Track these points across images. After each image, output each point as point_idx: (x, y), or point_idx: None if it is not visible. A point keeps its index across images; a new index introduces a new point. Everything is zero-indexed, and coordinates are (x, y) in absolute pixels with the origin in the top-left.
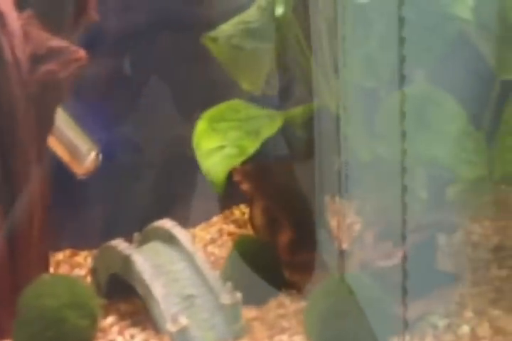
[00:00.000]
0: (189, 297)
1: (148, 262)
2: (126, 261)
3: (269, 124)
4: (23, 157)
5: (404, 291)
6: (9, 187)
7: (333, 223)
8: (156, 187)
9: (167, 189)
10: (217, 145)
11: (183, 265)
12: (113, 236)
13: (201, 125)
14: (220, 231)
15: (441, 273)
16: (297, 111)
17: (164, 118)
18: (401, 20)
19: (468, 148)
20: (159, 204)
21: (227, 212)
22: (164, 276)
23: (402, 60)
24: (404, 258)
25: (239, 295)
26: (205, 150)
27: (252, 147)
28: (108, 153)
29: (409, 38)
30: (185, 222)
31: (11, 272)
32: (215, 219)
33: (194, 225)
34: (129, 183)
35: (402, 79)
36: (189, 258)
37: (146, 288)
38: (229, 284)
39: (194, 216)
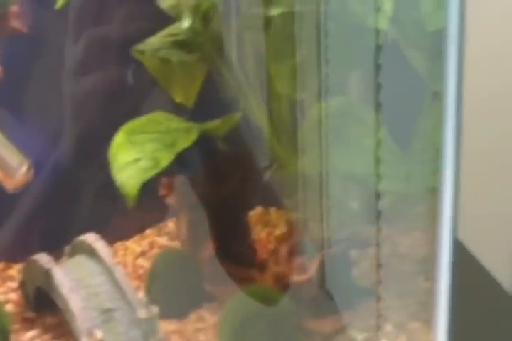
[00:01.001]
0: (107, 311)
1: (68, 276)
2: (47, 274)
3: (185, 136)
4: None
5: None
6: None
7: (261, 235)
8: (92, 199)
9: (103, 201)
10: (133, 158)
11: (102, 279)
12: (48, 249)
13: (118, 138)
14: (152, 244)
15: (361, 288)
16: (217, 123)
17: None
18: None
19: (386, 161)
20: (95, 216)
21: (161, 225)
22: (84, 290)
23: (324, 72)
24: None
25: (155, 308)
26: (121, 163)
27: (166, 159)
28: (41, 166)
29: (332, 50)
30: (119, 235)
31: None
32: (148, 231)
33: (126, 238)
34: (64, 195)
35: (323, 92)
36: (109, 272)
37: (65, 301)
38: (145, 298)
39: (129, 228)
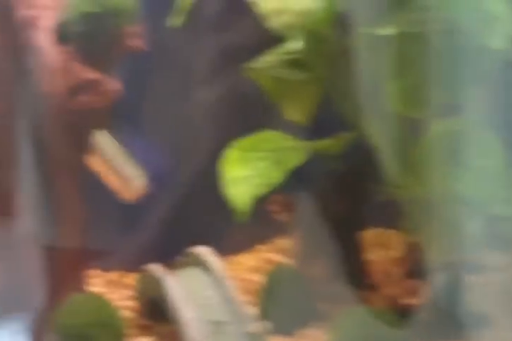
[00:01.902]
0: (217, 323)
1: (179, 287)
2: (159, 284)
3: (295, 155)
4: (60, 181)
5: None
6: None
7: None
8: (204, 212)
9: (214, 214)
10: (244, 175)
11: (213, 291)
12: (162, 260)
13: (231, 153)
14: (264, 260)
15: (476, 314)
16: (329, 142)
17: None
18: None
19: (503, 185)
20: (207, 229)
21: (273, 241)
22: (195, 301)
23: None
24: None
25: (267, 324)
26: (233, 178)
27: (278, 178)
28: (156, 178)
29: (449, 69)
30: (230, 249)
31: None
32: (260, 247)
33: (238, 252)
34: (178, 208)
35: (440, 111)
36: (220, 285)
37: (176, 312)
38: (258, 312)
39: (240, 243)
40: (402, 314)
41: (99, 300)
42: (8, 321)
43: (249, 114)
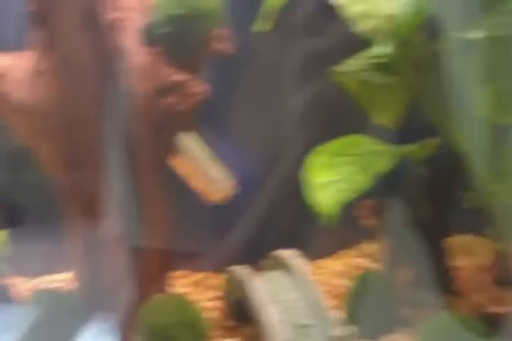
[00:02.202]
0: (302, 326)
1: (264, 289)
2: (244, 286)
3: (382, 160)
4: (146, 182)
5: None
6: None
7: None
8: (292, 216)
9: (301, 218)
10: (330, 180)
11: (298, 294)
12: (248, 262)
13: (317, 158)
14: (350, 264)
15: None
16: (416, 147)
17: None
18: None
19: None
20: (293, 232)
21: (359, 246)
22: (279, 304)
23: None
24: None
25: (353, 328)
26: (318, 183)
27: (364, 183)
28: (242, 180)
29: None
30: (316, 253)
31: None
32: (346, 251)
33: (323, 256)
34: (266, 211)
35: None
36: (305, 288)
37: (261, 314)
38: (343, 317)
39: (325, 247)
40: (488, 322)
41: (182, 301)
42: (95, 320)
43: (336, 117)
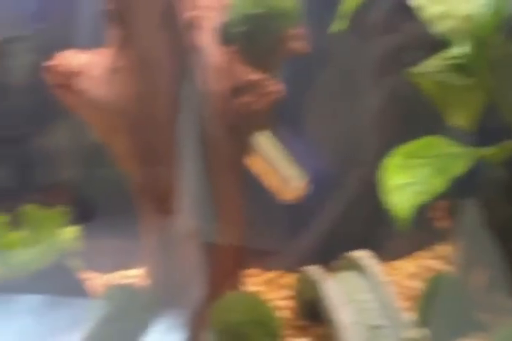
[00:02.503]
0: (374, 327)
1: (337, 289)
2: (317, 286)
3: (459, 162)
4: (221, 180)
5: None
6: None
7: None
8: (365, 216)
9: (375, 219)
10: (406, 182)
11: (371, 295)
12: (321, 262)
13: (393, 160)
14: (423, 266)
15: None
16: (495, 149)
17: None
18: None
19: None
20: (367, 233)
21: (433, 248)
22: (352, 305)
23: None
24: None
25: (425, 331)
26: (393, 185)
27: (440, 185)
28: (316, 180)
29: None
30: (389, 254)
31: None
32: (419, 253)
33: (397, 257)
34: (340, 211)
35: None
36: (378, 289)
37: (333, 314)
38: (416, 319)
39: (399, 249)
40: None
41: (256, 299)
42: (165, 317)
43: (411, 118)
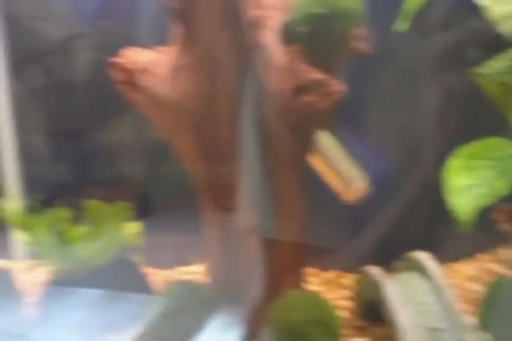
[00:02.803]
0: (434, 330)
1: (398, 291)
2: (378, 287)
3: None
4: (282, 178)
5: None
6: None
7: None
8: (426, 218)
9: (435, 221)
10: (468, 184)
11: (431, 298)
12: (380, 263)
13: (456, 161)
14: (484, 269)
15: None
16: None
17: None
18: None
19: None
20: (427, 235)
21: (495, 250)
22: (412, 306)
23: None
24: None
25: (487, 336)
26: (456, 186)
27: (504, 188)
28: (377, 180)
29: None
30: (448, 256)
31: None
32: (480, 255)
33: (456, 259)
34: (401, 213)
35: None
36: (439, 291)
37: (394, 315)
38: (476, 323)
39: (459, 251)
40: None
41: (317, 298)
42: (224, 313)
43: (472, 119)
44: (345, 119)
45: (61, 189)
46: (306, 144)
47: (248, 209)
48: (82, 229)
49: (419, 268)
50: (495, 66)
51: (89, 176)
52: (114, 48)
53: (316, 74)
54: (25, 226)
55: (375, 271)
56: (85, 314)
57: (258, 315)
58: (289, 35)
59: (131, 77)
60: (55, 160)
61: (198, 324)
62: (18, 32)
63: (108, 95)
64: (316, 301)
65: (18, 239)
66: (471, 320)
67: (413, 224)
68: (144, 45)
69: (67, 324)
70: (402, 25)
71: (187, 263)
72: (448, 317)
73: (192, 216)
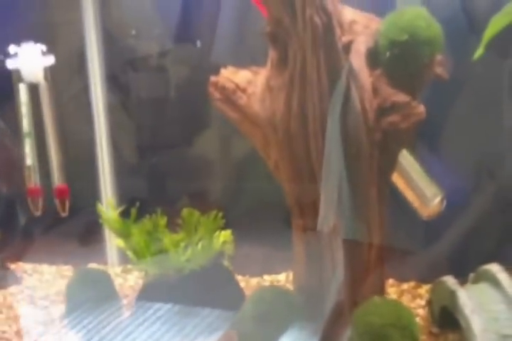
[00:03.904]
0: (506, 337)
1: (471, 299)
2: (453, 295)
3: None
4: (365, 196)
5: None
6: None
7: None
8: (497, 232)
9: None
10: None
11: (503, 307)
12: (454, 274)
13: None
14: None
15: None
16: None
17: None
18: None
19: None
20: (498, 249)
21: None
22: (484, 314)
23: None
24: None
25: None
26: None
27: None
28: (452, 196)
29: None
30: None
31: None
32: None
33: None
34: (474, 227)
35: None
36: (510, 301)
37: (467, 321)
38: None
39: None
40: None
41: (397, 304)
42: (306, 320)
43: None
44: (423, 138)
45: (152, 199)
46: (389, 162)
47: (328, 211)
48: (176, 237)
49: (491, 280)
50: None
51: (176, 188)
52: (201, 65)
53: (399, 97)
54: (123, 232)
55: (450, 280)
56: (161, 328)
57: (340, 319)
58: (374, 59)
59: (229, 95)
60: (143, 173)
61: (283, 328)
62: (116, 49)
63: (196, 111)
64: (397, 307)
65: (114, 244)
66: None
67: (487, 238)
68: (235, 65)
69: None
70: (480, 53)
71: (272, 272)
72: None
73: (281, 227)
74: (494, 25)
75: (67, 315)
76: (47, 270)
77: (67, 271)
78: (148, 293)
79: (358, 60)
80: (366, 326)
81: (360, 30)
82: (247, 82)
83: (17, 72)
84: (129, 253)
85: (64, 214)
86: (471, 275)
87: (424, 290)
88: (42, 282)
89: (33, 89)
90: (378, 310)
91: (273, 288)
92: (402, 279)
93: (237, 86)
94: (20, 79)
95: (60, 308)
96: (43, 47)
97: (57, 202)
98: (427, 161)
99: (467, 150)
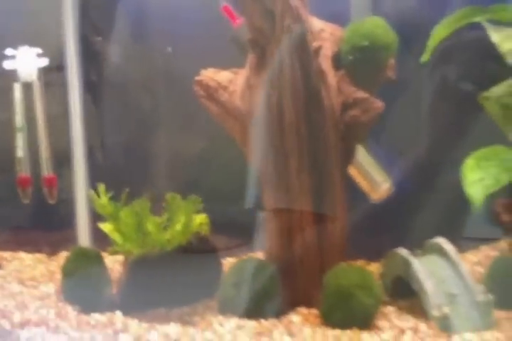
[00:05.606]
0: (452, 295)
1: (422, 266)
2: (407, 263)
3: None
4: (330, 180)
5: None
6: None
7: None
8: (435, 213)
9: (444, 217)
10: (479, 177)
11: (449, 271)
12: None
13: (470, 161)
14: (487, 257)
15: None
16: None
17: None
18: None
19: None
20: (436, 229)
21: (497, 241)
22: (434, 278)
23: None
24: None
25: (491, 296)
26: (470, 180)
27: (505, 180)
28: (397, 182)
29: None
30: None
31: (320, 259)
32: (483, 247)
33: (464, 251)
34: (415, 210)
35: None
36: (454, 267)
37: (420, 284)
38: (483, 286)
39: (465, 242)
40: None
41: (362, 269)
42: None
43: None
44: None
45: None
46: (349, 150)
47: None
48: (157, 219)
49: (437, 250)
50: (497, 91)
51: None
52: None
53: (359, 94)
54: (114, 215)
55: (403, 251)
56: None
57: (312, 282)
58: (338, 62)
59: (212, 93)
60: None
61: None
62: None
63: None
64: (362, 271)
65: (101, 226)
66: (480, 286)
67: (430, 218)
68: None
69: None
70: (425, 57)
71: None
72: (462, 285)
73: None
74: (437, 35)
75: (64, 289)
76: (25, 257)
77: (44, 257)
78: (134, 269)
79: (325, 62)
80: (335, 287)
81: (327, 37)
82: (228, 81)
83: (13, 72)
84: (115, 236)
85: (52, 201)
86: (418, 251)
87: (373, 267)
88: (25, 266)
89: (27, 87)
90: (345, 273)
91: (251, 260)
92: (353, 258)
93: (219, 84)
94: (15, 79)
95: (49, 286)
96: (39, 50)
97: (45, 190)
98: (374, 151)
99: (407, 143)
